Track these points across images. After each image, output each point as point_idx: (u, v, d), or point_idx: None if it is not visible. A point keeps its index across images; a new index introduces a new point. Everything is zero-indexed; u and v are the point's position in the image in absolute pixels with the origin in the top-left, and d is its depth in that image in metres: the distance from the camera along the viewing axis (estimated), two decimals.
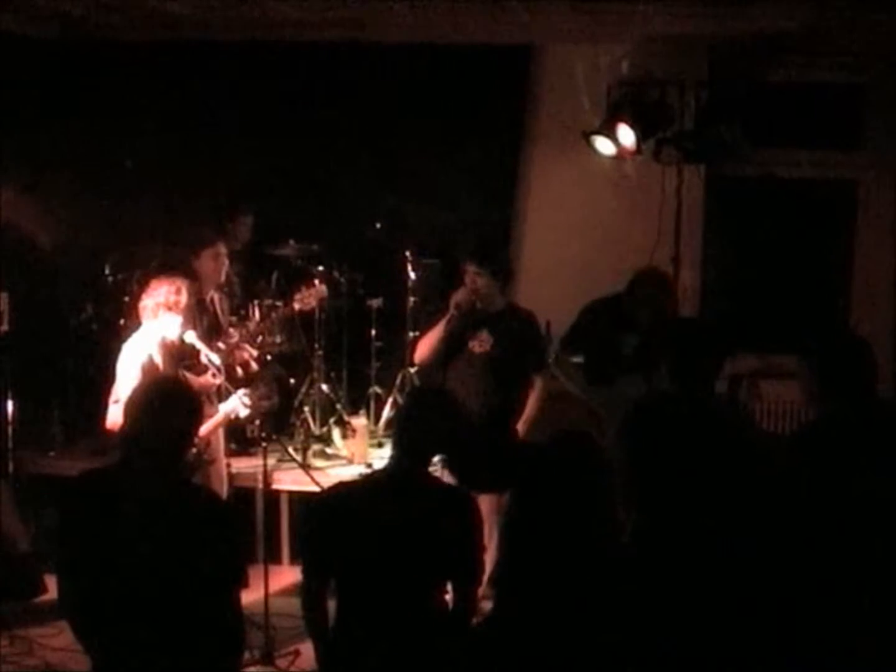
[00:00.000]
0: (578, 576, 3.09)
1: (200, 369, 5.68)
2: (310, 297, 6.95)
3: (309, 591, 3.63)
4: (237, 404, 5.43)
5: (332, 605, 3.67)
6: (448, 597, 3.71)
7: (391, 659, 3.46)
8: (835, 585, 3.58)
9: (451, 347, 5.70)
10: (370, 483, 3.72)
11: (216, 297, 6.61)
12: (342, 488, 3.77)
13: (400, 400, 6.85)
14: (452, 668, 3.40)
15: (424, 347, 5.78)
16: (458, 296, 5.64)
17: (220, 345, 6.37)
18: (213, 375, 5.62)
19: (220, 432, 5.75)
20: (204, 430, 5.27)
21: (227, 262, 6.49)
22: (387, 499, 3.54)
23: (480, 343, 5.67)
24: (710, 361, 4.20)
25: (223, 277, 6.57)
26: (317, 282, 7.04)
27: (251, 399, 5.55)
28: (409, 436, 3.63)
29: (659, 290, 5.88)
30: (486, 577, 5.38)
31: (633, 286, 5.86)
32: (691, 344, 4.23)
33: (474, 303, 5.64)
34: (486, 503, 5.62)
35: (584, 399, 5.93)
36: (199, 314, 6.15)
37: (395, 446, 3.67)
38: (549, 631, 3.05)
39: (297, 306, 6.91)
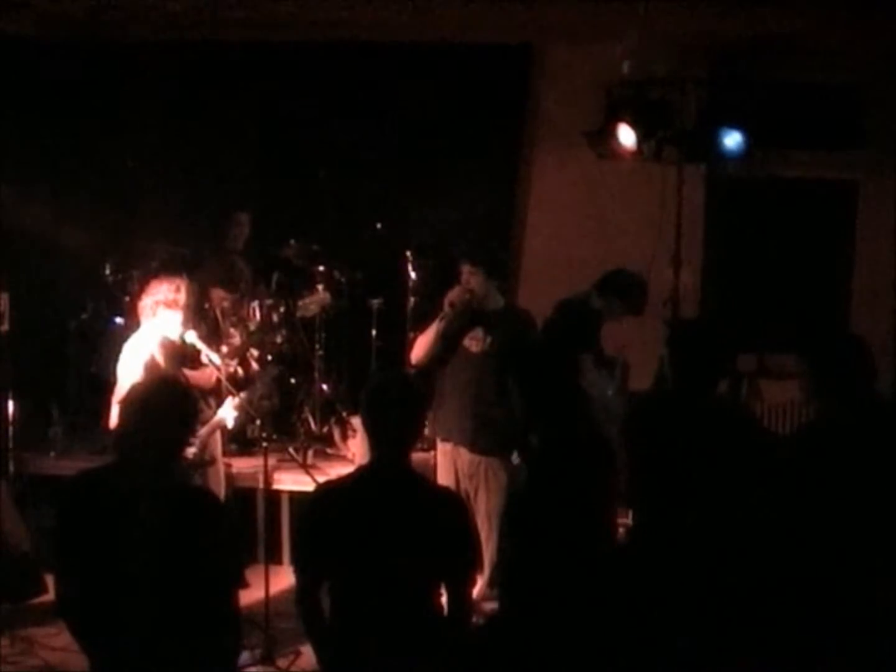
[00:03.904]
0: (581, 574, 3.10)
1: (201, 369, 5.68)
2: (312, 305, 6.98)
3: (302, 593, 3.62)
4: (228, 413, 5.44)
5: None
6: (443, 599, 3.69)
7: (386, 659, 3.45)
8: (834, 583, 3.58)
9: (448, 346, 5.70)
10: (356, 482, 3.69)
11: (218, 301, 6.64)
12: (328, 488, 3.76)
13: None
14: (448, 669, 3.40)
15: (420, 347, 5.77)
16: (452, 294, 5.64)
17: (223, 348, 6.39)
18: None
19: (218, 434, 5.75)
20: (202, 432, 5.28)
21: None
22: (373, 498, 3.53)
23: (476, 342, 5.66)
24: (711, 361, 4.21)
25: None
26: (320, 287, 7.05)
27: (248, 401, 5.56)
28: (383, 427, 3.56)
29: (628, 287, 5.90)
30: (486, 578, 5.44)
31: (602, 284, 5.87)
32: (692, 344, 4.24)
33: (470, 302, 5.63)
34: (487, 504, 5.63)
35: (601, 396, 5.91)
36: (200, 318, 6.16)
37: (373, 441, 3.59)
38: (554, 630, 3.05)
39: (299, 314, 6.94)
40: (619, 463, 3.97)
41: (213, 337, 6.33)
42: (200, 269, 6.83)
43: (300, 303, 7.01)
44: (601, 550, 3.19)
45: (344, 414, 7.13)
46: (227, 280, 7.11)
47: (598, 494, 3.27)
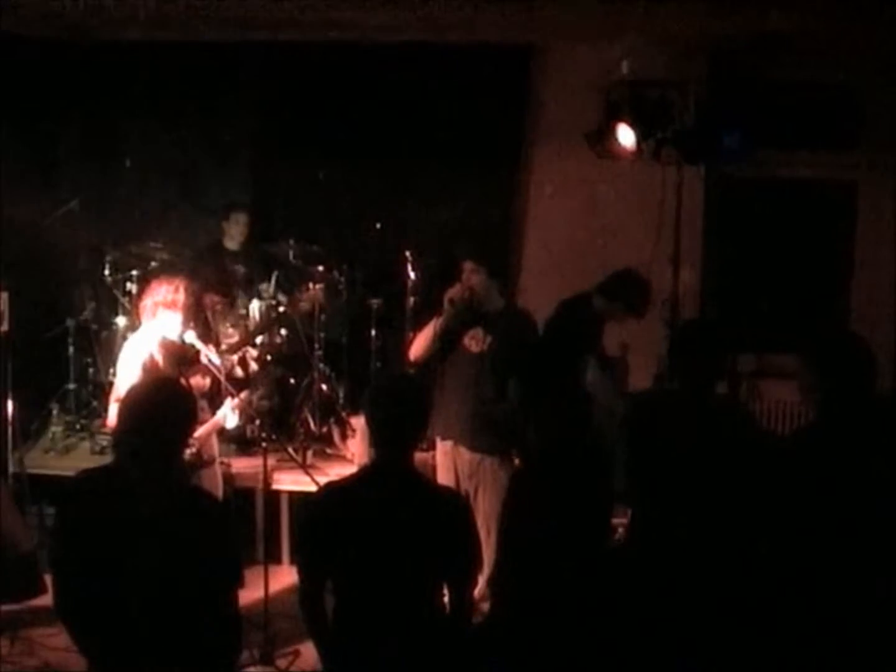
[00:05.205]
0: (576, 574, 3.10)
1: (201, 370, 5.67)
2: (303, 303, 6.98)
3: (306, 593, 3.62)
4: (227, 413, 5.44)
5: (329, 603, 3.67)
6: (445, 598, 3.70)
7: (389, 659, 3.46)
8: (833, 583, 3.58)
9: (446, 344, 5.70)
10: (359, 482, 3.70)
11: (210, 304, 6.65)
12: (332, 488, 3.76)
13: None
14: (450, 668, 3.41)
15: (419, 344, 5.77)
16: (453, 292, 5.64)
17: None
18: (212, 376, 5.62)
19: (214, 434, 5.74)
20: (200, 433, 5.28)
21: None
22: (376, 498, 3.53)
23: (476, 342, 5.67)
24: (710, 361, 4.21)
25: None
26: (311, 285, 7.05)
27: (248, 401, 5.56)
28: (387, 427, 3.57)
29: (633, 289, 5.91)
30: (486, 578, 5.44)
31: (607, 285, 5.88)
32: (692, 343, 4.24)
33: (470, 300, 5.63)
34: (487, 504, 5.63)
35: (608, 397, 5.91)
36: (195, 321, 6.17)
37: (376, 441, 3.60)
38: (548, 629, 3.05)
39: (289, 311, 6.94)
40: (617, 462, 3.98)
41: (205, 340, 6.33)
42: (195, 271, 6.83)
43: (291, 299, 7.03)
44: (596, 550, 3.19)
45: (343, 414, 7.14)
46: (220, 283, 7.11)
47: (593, 496, 3.27)
